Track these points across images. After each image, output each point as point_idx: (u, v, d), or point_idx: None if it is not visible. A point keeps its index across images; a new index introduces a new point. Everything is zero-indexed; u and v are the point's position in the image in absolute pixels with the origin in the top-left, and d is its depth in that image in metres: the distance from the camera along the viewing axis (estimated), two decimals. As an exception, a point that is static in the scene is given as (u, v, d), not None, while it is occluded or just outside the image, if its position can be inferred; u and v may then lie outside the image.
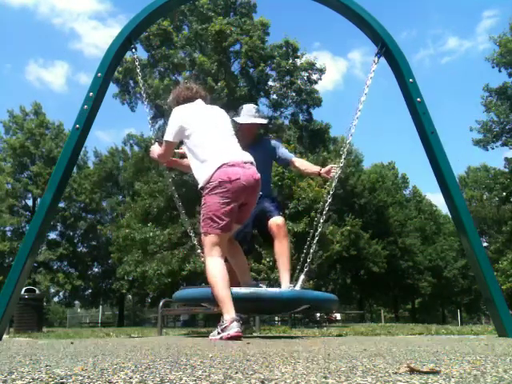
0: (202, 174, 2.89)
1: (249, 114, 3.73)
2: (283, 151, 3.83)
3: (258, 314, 5.23)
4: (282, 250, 3.37)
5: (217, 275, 2.72)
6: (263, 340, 2.95)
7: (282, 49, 19.30)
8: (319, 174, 3.70)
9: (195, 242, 3.79)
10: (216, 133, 2.99)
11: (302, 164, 3.85)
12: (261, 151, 3.59)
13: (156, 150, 3.35)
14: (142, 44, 18.57)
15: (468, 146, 70.59)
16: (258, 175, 2.94)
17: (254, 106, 3.90)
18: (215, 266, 2.76)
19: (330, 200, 3.56)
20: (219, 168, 2.81)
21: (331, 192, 3.43)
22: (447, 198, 3.45)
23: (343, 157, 3.70)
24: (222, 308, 2.63)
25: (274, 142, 3.92)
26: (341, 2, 3.63)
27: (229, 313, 2.58)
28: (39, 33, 74.18)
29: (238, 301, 2.69)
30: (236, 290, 2.89)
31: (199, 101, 3.20)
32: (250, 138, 3.74)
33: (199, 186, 2.93)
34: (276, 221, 3.41)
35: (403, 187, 36.87)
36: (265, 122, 3.93)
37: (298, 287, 3.10)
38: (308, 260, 3.32)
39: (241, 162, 2.89)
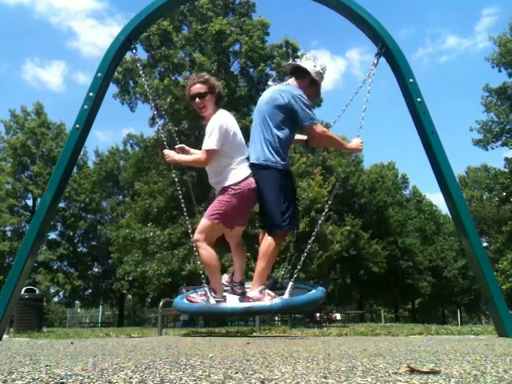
0: (231, 175, 3.12)
1: (323, 72, 3.50)
2: None
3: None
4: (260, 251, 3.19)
5: (214, 263, 3.12)
6: (263, 340, 2.95)
7: (281, 49, 19.24)
8: (347, 148, 3.44)
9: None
10: (242, 142, 3.30)
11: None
12: None
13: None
14: (142, 44, 18.52)
15: (468, 146, 70.69)
16: None
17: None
18: (210, 254, 3.11)
19: (331, 201, 3.46)
20: (248, 177, 3.12)
21: (333, 193, 3.34)
22: (447, 198, 3.45)
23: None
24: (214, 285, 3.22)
25: None
26: (340, 1, 3.61)
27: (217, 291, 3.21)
28: (36, 32, 74.23)
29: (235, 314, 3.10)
30: (232, 305, 3.18)
31: None
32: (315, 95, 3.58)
33: (224, 184, 3.12)
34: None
35: (403, 187, 36.85)
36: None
37: (286, 295, 3.00)
38: (298, 267, 3.15)
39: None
